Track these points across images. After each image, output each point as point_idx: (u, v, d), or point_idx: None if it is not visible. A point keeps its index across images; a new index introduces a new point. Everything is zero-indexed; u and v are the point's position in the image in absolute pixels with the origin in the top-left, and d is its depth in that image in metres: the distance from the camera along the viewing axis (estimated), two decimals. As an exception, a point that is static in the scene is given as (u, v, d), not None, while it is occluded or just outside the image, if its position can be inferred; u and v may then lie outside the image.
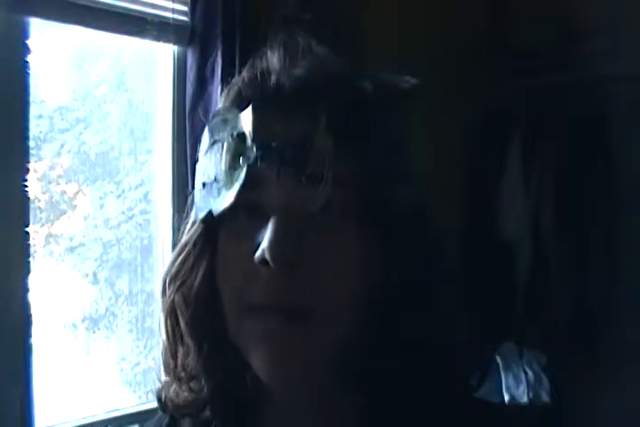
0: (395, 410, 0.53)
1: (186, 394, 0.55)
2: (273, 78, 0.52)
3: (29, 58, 1.34)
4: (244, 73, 0.55)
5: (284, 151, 0.48)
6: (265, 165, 0.49)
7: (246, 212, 0.51)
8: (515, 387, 2.16)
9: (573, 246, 2.21)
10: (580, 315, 2.19)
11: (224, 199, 0.51)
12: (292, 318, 0.49)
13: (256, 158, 0.49)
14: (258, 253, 0.48)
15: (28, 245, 1.35)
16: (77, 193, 1.58)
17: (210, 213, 0.52)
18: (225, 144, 0.52)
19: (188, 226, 0.56)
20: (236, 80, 0.55)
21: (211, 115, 0.55)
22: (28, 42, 1.34)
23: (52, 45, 1.49)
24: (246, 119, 0.51)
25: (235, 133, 0.51)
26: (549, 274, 2.24)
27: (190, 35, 1.58)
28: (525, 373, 2.17)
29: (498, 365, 2.20)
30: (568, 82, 2.18)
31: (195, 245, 0.55)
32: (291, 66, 0.52)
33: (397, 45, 2.00)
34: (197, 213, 0.54)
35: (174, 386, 0.56)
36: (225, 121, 0.53)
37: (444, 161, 2.20)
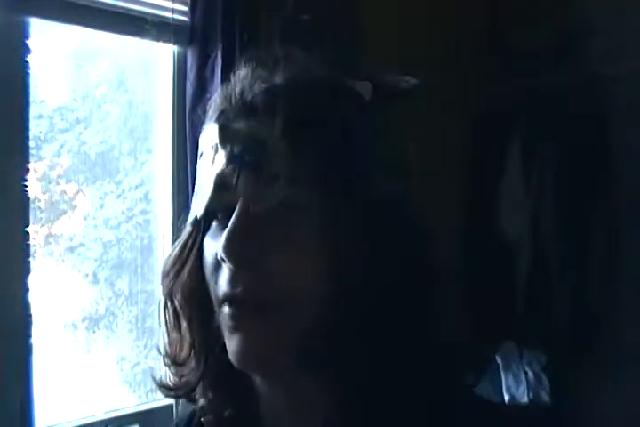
0: (368, 402, 0.54)
1: (176, 378, 0.62)
2: (237, 90, 0.57)
3: (29, 58, 1.34)
4: (221, 88, 0.60)
5: (242, 157, 0.53)
6: (230, 171, 0.54)
7: (220, 214, 0.56)
8: (515, 387, 2.16)
9: (573, 246, 2.21)
10: (580, 315, 2.19)
11: (203, 204, 0.57)
12: (252, 309, 0.53)
13: (224, 165, 0.55)
14: (218, 252, 0.54)
15: (28, 245, 1.35)
16: (77, 193, 1.58)
17: (196, 216, 0.59)
18: (208, 155, 0.57)
19: (185, 227, 0.62)
20: (215, 95, 0.61)
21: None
22: (27, 42, 1.34)
23: (52, 45, 1.49)
24: (215, 130, 0.57)
25: (212, 144, 0.57)
26: (549, 274, 2.24)
27: (190, 35, 1.58)
28: (525, 373, 2.17)
29: (498, 365, 2.20)
30: (568, 82, 2.18)
31: (185, 243, 0.61)
32: (256, 78, 0.57)
33: (397, 45, 2.00)
34: (190, 217, 0.61)
35: (167, 371, 0.62)
36: (206, 133, 0.58)
37: (444, 161, 2.20)
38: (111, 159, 1.62)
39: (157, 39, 1.55)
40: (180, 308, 0.60)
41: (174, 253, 0.61)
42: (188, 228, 0.61)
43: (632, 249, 2.15)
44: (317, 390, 0.57)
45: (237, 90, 0.57)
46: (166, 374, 0.63)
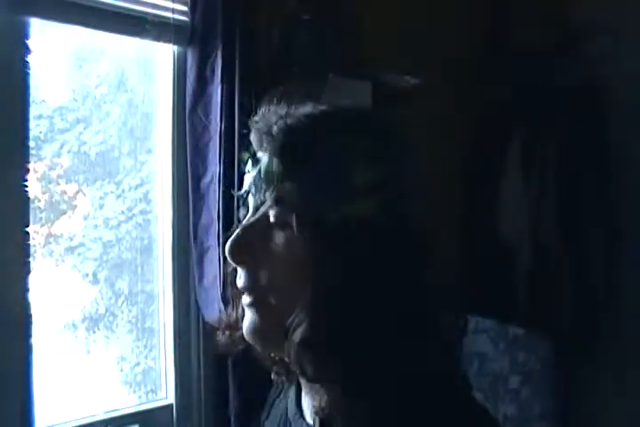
0: (354, 391, 0.61)
1: (228, 340, 0.76)
2: (258, 126, 0.68)
3: (29, 58, 1.34)
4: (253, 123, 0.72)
5: (250, 182, 0.68)
6: (245, 192, 0.69)
7: None
8: (515, 387, 2.16)
9: (573, 246, 2.21)
10: (581, 313, 2.19)
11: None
12: (250, 297, 0.67)
13: (244, 188, 0.70)
14: None
15: (28, 245, 1.35)
16: (77, 193, 1.58)
17: None
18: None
19: None
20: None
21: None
22: (28, 42, 1.34)
23: (51, 45, 1.49)
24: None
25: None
26: (550, 274, 2.24)
27: (190, 35, 1.58)
28: (525, 372, 2.17)
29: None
30: (568, 82, 2.18)
31: None
32: (273, 116, 0.67)
33: (397, 45, 2.00)
34: None
35: (225, 333, 0.76)
36: None
37: (444, 161, 2.20)
38: (111, 159, 1.62)
39: (157, 39, 1.55)
40: (235, 289, 0.73)
41: None
42: None
43: (632, 249, 2.15)
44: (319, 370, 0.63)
45: (258, 126, 0.69)
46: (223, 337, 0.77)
